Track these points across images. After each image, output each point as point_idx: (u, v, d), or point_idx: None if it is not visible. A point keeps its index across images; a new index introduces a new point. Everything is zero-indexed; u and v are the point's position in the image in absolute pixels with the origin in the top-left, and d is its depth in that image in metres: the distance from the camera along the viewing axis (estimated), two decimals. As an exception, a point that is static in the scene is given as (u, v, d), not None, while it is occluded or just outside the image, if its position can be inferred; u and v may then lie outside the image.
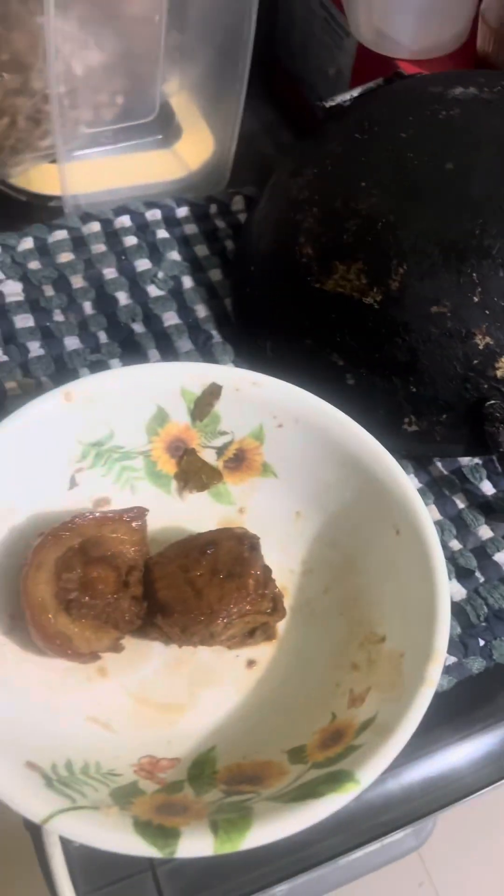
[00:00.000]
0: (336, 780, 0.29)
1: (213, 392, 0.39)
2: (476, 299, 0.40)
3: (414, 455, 0.45)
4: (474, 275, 0.40)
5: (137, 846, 0.27)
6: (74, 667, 0.36)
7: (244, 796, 0.30)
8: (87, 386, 0.37)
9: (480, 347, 0.40)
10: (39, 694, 0.34)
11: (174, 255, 0.52)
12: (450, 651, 0.40)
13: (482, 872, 1.15)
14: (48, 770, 0.29)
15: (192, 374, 0.39)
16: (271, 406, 0.39)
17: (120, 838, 0.27)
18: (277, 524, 0.41)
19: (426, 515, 0.36)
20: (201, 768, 0.33)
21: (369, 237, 0.42)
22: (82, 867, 0.34)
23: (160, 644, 0.37)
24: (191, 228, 0.54)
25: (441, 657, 0.32)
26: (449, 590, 0.34)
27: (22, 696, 0.33)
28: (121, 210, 0.53)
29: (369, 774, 0.29)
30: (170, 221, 0.54)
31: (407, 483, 0.37)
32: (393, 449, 0.44)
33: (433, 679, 0.31)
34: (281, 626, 0.38)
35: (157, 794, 0.31)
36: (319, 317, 0.44)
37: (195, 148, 0.60)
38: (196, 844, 0.27)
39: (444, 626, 0.32)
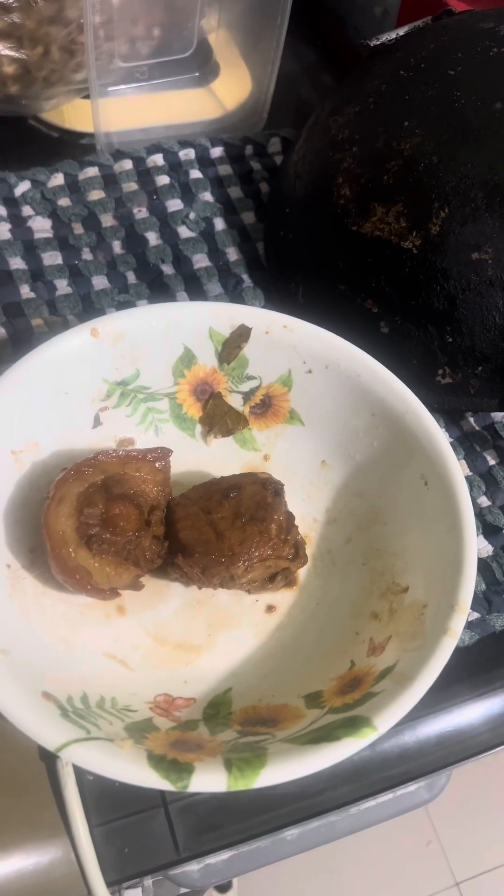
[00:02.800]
0: (353, 724, 0.29)
1: (242, 334, 0.38)
2: (519, 246, 0.38)
3: (446, 409, 0.44)
4: (519, 220, 0.38)
5: (151, 779, 0.27)
6: (93, 603, 0.35)
7: (259, 737, 0.30)
8: (115, 323, 0.37)
9: (521, 297, 0.38)
10: (58, 628, 0.34)
11: (207, 196, 0.51)
12: (473, 607, 0.39)
13: (490, 834, 1.16)
14: (64, 701, 0.29)
15: (221, 315, 0.38)
16: (301, 351, 0.38)
17: (134, 770, 0.27)
18: (302, 472, 0.40)
19: (457, 467, 0.35)
20: (217, 709, 0.33)
21: (411, 178, 0.40)
22: (95, 800, 0.34)
23: (179, 585, 0.37)
24: (225, 169, 0.52)
25: (465, 610, 0.31)
26: (476, 542, 0.33)
27: (40, 630, 0.33)
28: (154, 148, 0.52)
29: (387, 721, 0.29)
30: (203, 161, 0.52)
31: (439, 434, 0.36)
32: (425, 402, 0.42)
33: (456, 631, 0.31)
34: (302, 573, 0.38)
35: (172, 730, 0.31)
36: (355, 261, 0.42)
37: (233, 87, 0.58)
38: (209, 780, 0.27)
39: (471, 579, 0.32)
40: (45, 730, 0.27)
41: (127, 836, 0.34)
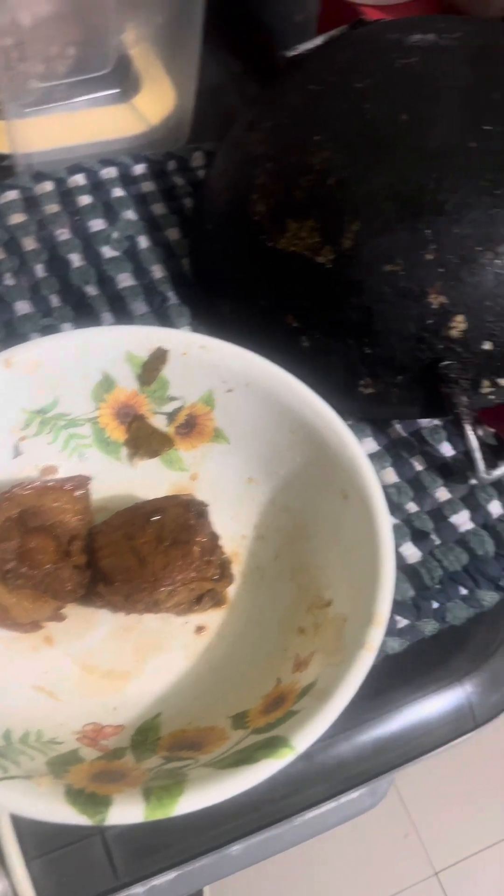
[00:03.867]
0: (272, 745, 0.29)
1: (159, 357, 0.38)
2: (430, 257, 0.39)
3: (371, 417, 0.44)
4: (428, 231, 0.39)
5: (68, 814, 0.27)
6: (19, 636, 0.35)
7: (182, 762, 0.30)
8: (28, 352, 0.36)
9: (434, 307, 0.39)
10: (-17, 663, 0.34)
11: (130, 215, 0.51)
12: (402, 613, 0.39)
13: (467, 821, 1.18)
14: (-16, 740, 0.29)
15: (137, 339, 0.38)
16: (220, 370, 0.39)
17: (50, 807, 0.27)
18: (230, 490, 0.40)
19: (373, 480, 0.35)
20: (145, 735, 0.33)
21: (322, 193, 0.41)
22: (32, 831, 0.34)
23: (107, 612, 0.37)
24: (148, 186, 0.52)
25: (382, 622, 0.32)
26: (394, 555, 0.33)
27: (-36, 666, 0.33)
28: (75, 168, 0.52)
29: (304, 740, 0.29)
30: (126, 179, 0.52)
31: (355, 447, 0.36)
32: (350, 411, 0.43)
33: (373, 644, 0.31)
34: (232, 591, 0.38)
35: (97, 761, 0.31)
36: (273, 277, 0.43)
37: (155, 102, 0.58)
38: (127, 811, 0.27)
39: (387, 591, 0.32)
40: (-40, 773, 0.27)
41: (64, 865, 0.34)
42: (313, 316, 0.42)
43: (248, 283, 0.44)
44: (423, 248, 0.39)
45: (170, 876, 0.38)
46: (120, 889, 0.35)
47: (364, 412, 0.43)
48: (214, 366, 0.38)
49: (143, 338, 0.38)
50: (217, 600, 0.37)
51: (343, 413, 0.38)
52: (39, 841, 0.34)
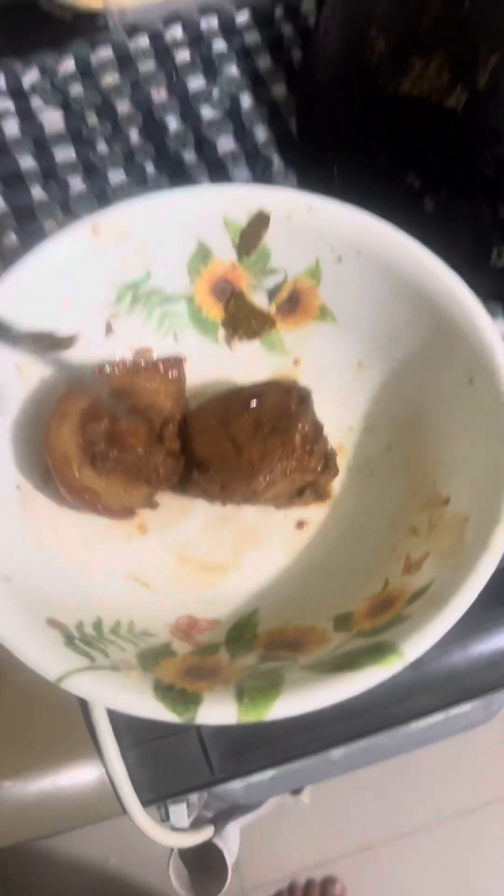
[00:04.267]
0: (379, 651, 0.26)
1: (260, 221, 0.34)
2: None
3: (503, 295, 0.39)
4: None
5: (156, 710, 0.25)
6: (113, 524, 0.34)
7: (280, 663, 0.28)
8: (117, 216, 0.33)
9: None
10: (75, 551, 0.32)
11: (232, 71, 0.45)
12: (531, 517, 0.35)
13: None
14: (72, 628, 0.28)
15: (235, 200, 0.34)
16: (329, 236, 0.34)
17: (137, 700, 0.25)
18: (336, 376, 0.36)
19: (505, 361, 0.30)
20: (241, 631, 0.31)
21: (454, 20, 0.34)
22: (126, 722, 0.34)
23: (204, 502, 0.35)
24: (252, 37, 0.46)
25: (510, 523, 0.27)
26: (527, 447, 0.29)
27: (54, 553, 0.31)
28: (172, 18, 0.46)
29: (416, 647, 0.26)
30: (228, 30, 0.46)
31: (486, 323, 0.31)
32: (479, 289, 0.37)
33: (498, 547, 0.27)
34: (336, 486, 0.35)
35: (190, 656, 0.29)
36: (393, 128, 0.37)
37: None
38: (218, 712, 0.25)
39: (517, 488, 0.28)
40: (45, 659, 0.26)
41: (160, 757, 0.34)
42: (439, 173, 0.36)
43: (364, 139, 0.38)
44: None
45: (267, 774, 0.37)
46: (215, 783, 0.34)
47: (496, 288, 0.38)
48: (323, 231, 0.34)
49: (241, 199, 0.34)
50: (320, 494, 0.34)
51: (471, 290, 0.32)
52: (135, 731, 0.34)
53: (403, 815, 1.06)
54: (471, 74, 0.33)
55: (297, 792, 0.77)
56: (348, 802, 1.03)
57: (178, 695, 0.25)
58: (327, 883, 0.95)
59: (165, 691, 0.25)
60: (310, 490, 0.33)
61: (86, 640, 0.28)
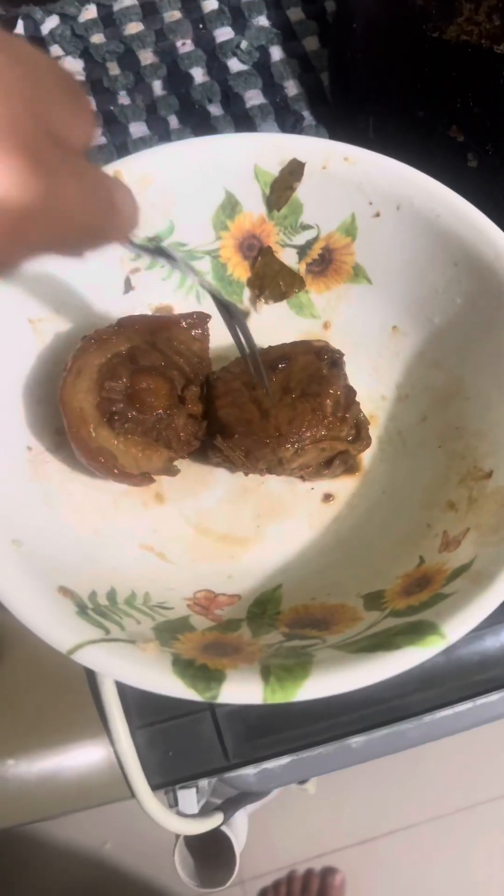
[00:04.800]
0: (417, 631, 0.24)
1: (293, 171, 0.32)
2: None
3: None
4: None
5: (174, 686, 0.23)
6: (129, 490, 0.32)
7: (307, 641, 0.26)
8: (140, 163, 0.31)
9: None
10: (88, 517, 0.30)
11: (262, 21, 0.43)
12: None
13: None
14: (84, 598, 0.26)
15: (267, 147, 0.31)
16: (367, 189, 0.32)
17: (155, 676, 0.23)
18: (369, 341, 0.34)
19: None
20: (263, 607, 0.29)
21: (509, -42, 0.32)
22: (137, 700, 0.32)
23: (225, 471, 0.33)
24: (284, -14, 0.44)
25: None
26: None
27: (66, 519, 0.29)
28: (200, -34, 0.44)
29: (459, 628, 0.24)
30: (259, -22, 0.44)
31: (535, 284, 0.29)
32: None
33: (549, 521, 0.25)
34: (366, 457, 0.33)
35: (210, 631, 0.27)
36: (437, 78, 0.34)
37: None
38: (242, 690, 0.23)
39: None
40: (56, 629, 0.24)
41: (171, 739, 0.32)
42: (485, 126, 0.33)
43: (404, 90, 0.36)
44: None
45: (283, 761, 0.35)
46: (230, 769, 0.32)
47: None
48: (359, 183, 0.32)
49: (274, 146, 0.31)
50: (350, 466, 0.31)
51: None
52: (146, 710, 0.32)
53: (407, 808, 1.05)
54: (525, 17, 0.31)
55: (302, 781, 0.75)
56: (352, 794, 1.01)
57: (199, 671, 0.23)
58: (327, 873, 0.94)
59: (185, 667, 0.23)
60: (339, 460, 0.31)
61: (99, 611, 0.25)
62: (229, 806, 0.41)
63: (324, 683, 0.23)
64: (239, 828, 0.50)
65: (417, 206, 0.31)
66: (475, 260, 0.30)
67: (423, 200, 0.31)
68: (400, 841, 1.05)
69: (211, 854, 0.47)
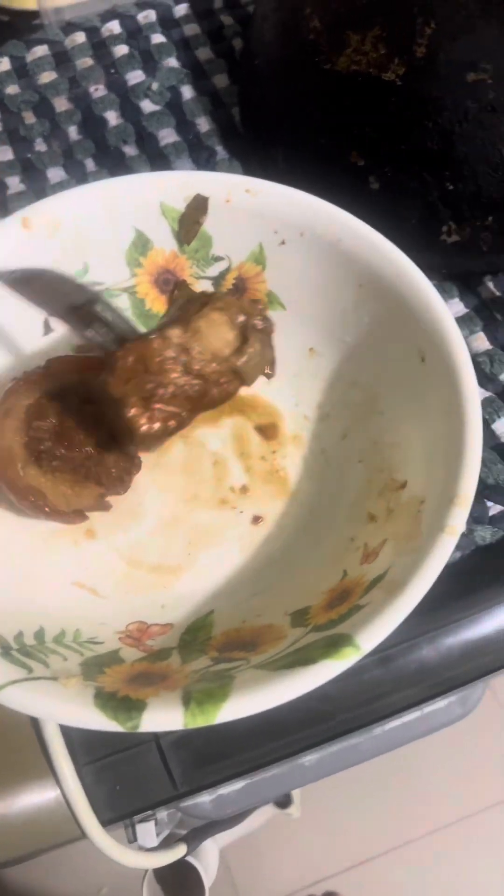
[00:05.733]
0: (334, 644, 0.24)
1: (198, 206, 0.33)
2: (526, 55, 0.31)
3: (458, 273, 0.37)
4: (523, 22, 0.31)
5: (96, 719, 0.23)
6: (59, 529, 0.32)
7: (232, 664, 0.26)
8: (48, 209, 0.32)
9: (533, 121, 0.31)
10: (17, 560, 0.31)
11: (172, 62, 0.44)
12: (495, 499, 0.34)
13: None
14: (9, 639, 0.26)
15: (170, 185, 0.32)
16: (271, 218, 0.33)
17: (77, 711, 0.23)
18: (289, 364, 0.35)
19: (456, 335, 0.29)
20: (195, 634, 0.29)
21: (388, -8, 0.33)
22: (81, 737, 0.32)
23: (154, 503, 0.33)
24: (192, 28, 0.45)
25: (466, 502, 0.26)
26: (480, 427, 0.27)
27: (-7, 561, 0.30)
28: (109, 15, 0.45)
29: (372, 638, 0.24)
30: (167, 23, 0.45)
31: (433, 298, 0.30)
32: (431, 267, 0.37)
33: (455, 526, 0.25)
34: (293, 477, 0.33)
35: (139, 662, 0.27)
36: (334, 107, 0.36)
37: None
38: (163, 717, 0.23)
39: (471, 468, 0.26)
40: (-24, 672, 0.24)
41: (118, 773, 0.32)
42: (383, 149, 0.35)
43: (306, 121, 0.37)
44: (517, 45, 0.31)
45: (237, 785, 0.35)
46: (180, 798, 0.32)
47: (449, 267, 0.37)
48: (263, 213, 0.33)
49: (177, 184, 0.32)
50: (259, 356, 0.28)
51: (423, 270, 0.31)
52: (91, 746, 0.32)
53: (400, 825, 1.04)
54: (407, 45, 0.33)
55: (283, 806, 0.75)
56: (341, 814, 1.00)
57: (121, 703, 0.23)
58: (329, 898, 0.93)
59: (107, 699, 0.24)
60: (255, 338, 0.28)
61: (24, 651, 0.26)
62: (194, 836, 0.41)
63: (243, 703, 0.23)
64: (208, 859, 0.49)
65: (319, 232, 0.32)
66: (378, 280, 0.31)
67: (324, 226, 0.32)
68: (399, 859, 1.04)
69: (183, 887, 0.46)
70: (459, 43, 0.32)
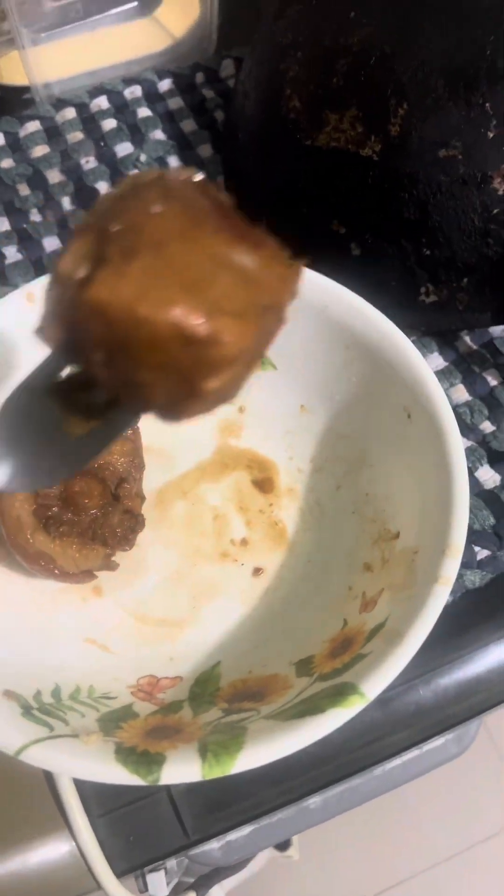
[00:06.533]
0: (340, 693, 0.26)
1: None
2: (491, 135, 0.33)
3: (437, 330, 0.40)
4: (487, 105, 0.33)
5: (119, 775, 0.24)
6: (66, 588, 0.33)
7: (243, 714, 0.27)
8: (51, 283, 0.33)
9: (500, 193, 0.34)
10: (29, 618, 0.32)
11: (158, 135, 0.47)
12: (482, 543, 0.35)
13: None
14: (29, 698, 0.27)
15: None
16: (260, 287, 0.35)
17: (99, 767, 0.25)
18: (281, 421, 0.37)
19: (439, 392, 0.31)
20: (204, 686, 0.31)
21: (362, 76, 0.36)
22: (94, 789, 0.33)
23: (158, 558, 0.34)
24: (175, 102, 0.48)
25: (457, 552, 0.28)
26: (466, 477, 0.29)
27: (6, 621, 0.31)
28: (96, 91, 0.48)
29: (376, 686, 0.26)
30: (152, 97, 0.48)
31: (416, 359, 0.32)
32: (412, 325, 0.39)
33: (448, 576, 0.27)
34: (291, 528, 0.35)
35: (153, 716, 0.28)
36: (315, 180, 0.38)
37: (178, 12, 0.53)
38: (182, 770, 0.24)
39: (461, 518, 0.28)
40: (2, 732, 0.25)
41: (131, 823, 0.33)
42: (362, 218, 0.37)
43: (288, 192, 0.40)
44: (482, 125, 0.33)
45: (244, 831, 0.36)
46: (192, 846, 0.33)
47: (427, 324, 0.39)
48: (254, 283, 0.35)
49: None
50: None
51: (404, 328, 0.33)
52: (103, 799, 0.33)
53: (399, 862, 1.04)
54: (383, 124, 0.35)
55: (283, 848, 0.75)
56: (340, 854, 1.00)
57: (141, 757, 0.25)
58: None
59: (127, 755, 0.25)
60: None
61: (44, 709, 0.27)
62: (202, 883, 0.41)
63: (258, 753, 0.25)
64: (216, 905, 0.50)
65: (307, 299, 0.34)
66: (363, 343, 0.33)
67: (311, 293, 0.34)
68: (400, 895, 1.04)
69: (192, 935, 0.47)
70: (431, 122, 0.34)
